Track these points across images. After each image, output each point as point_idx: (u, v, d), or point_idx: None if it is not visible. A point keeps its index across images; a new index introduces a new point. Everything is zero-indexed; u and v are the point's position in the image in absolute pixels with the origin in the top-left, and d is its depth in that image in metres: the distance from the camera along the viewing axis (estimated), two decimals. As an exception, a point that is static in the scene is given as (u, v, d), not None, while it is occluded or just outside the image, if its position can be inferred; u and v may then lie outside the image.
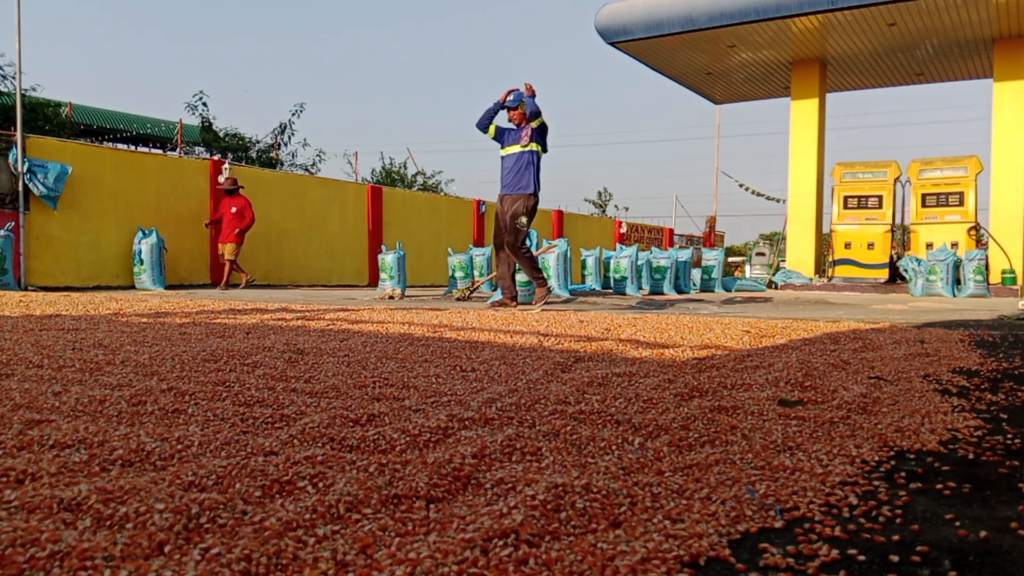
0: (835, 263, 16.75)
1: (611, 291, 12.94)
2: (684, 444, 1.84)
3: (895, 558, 1.16)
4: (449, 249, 12.53)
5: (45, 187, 10.37)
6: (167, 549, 1.14)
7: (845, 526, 1.29)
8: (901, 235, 17.79)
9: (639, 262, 12.65)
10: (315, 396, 2.41)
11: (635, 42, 16.29)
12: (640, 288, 12.57)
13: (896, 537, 1.24)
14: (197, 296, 8.91)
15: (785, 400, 2.37)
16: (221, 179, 12.33)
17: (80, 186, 10.96)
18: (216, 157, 15.77)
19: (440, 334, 4.28)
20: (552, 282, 10.97)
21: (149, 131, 20.64)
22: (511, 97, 7.23)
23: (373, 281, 15.53)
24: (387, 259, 10.16)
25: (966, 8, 13.88)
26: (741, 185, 28.41)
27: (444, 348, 3.64)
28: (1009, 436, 1.96)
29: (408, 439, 1.82)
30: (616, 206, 35.44)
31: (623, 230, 23.04)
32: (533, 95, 7.18)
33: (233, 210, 11.69)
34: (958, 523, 1.32)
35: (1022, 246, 15.16)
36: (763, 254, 29.50)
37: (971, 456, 1.78)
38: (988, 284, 13.79)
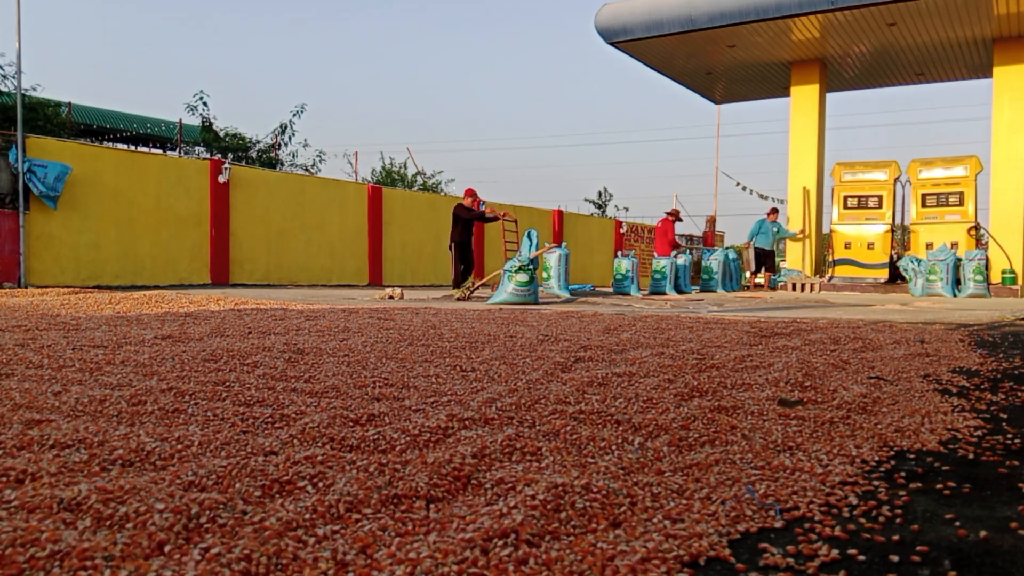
0: (835, 263, 16.75)
1: (611, 291, 12.96)
2: (684, 444, 1.84)
3: (895, 558, 1.16)
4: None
5: (45, 187, 10.37)
6: (167, 549, 1.14)
7: (845, 526, 1.29)
8: (901, 235, 17.81)
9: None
10: (315, 396, 2.40)
11: (635, 42, 16.29)
12: (640, 289, 12.62)
13: (896, 537, 1.24)
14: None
15: (785, 400, 2.37)
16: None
17: (80, 186, 10.96)
18: (216, 157, 15.77)
19: (440, 334, 4.28)
20: (552, 282, 11.14)
21: (149, 131, 20.63)
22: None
23: (373, 281, 15.53)
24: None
25: (966, 8, 13.88)
26: (739, 185, 28.39)
27: (444, 348, 3.64)
28: (1009, 436, 1.96)
29: (408, 439, 1.81)
30: (616, 206, 35.36)
31: (623, 230, 23.04)
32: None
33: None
34: (958, 523, 1.31)
35: (1022, 246, 15.16)
36: (763, 254, 29.46)
37: (971, 456, 1.77)
38: (988, 284, 13.79)
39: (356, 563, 1.09)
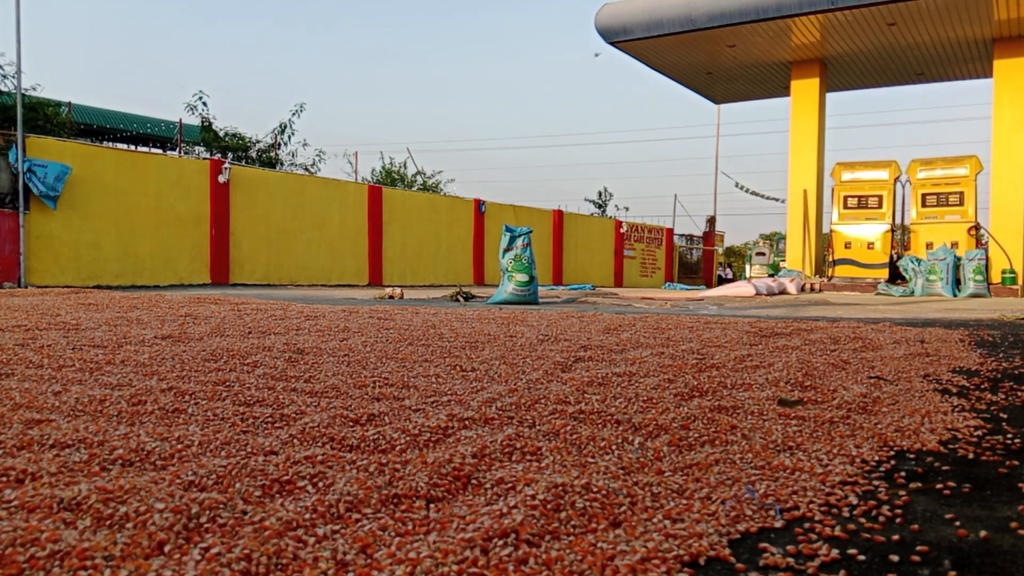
0: (835, 263, 16.76)
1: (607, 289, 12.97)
2: (684, 444, 1.84)
3: (895, 558, 1.16)
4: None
5: (45, 187, 10.37)
6: (167, 548, 1.14)
7: (845, 526, 1.29)
8: (901, 235, 17.81)
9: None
10: (315, 396, 2.40)
11: (635, 42, 16.30)
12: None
13: (896, 537, 1.24)
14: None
15: (785, 400, 2.37)
16: None
17: (80, 186, 10.96)
18: (216, 157, 15.77)
19: (440, 334, 4.28)
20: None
21: (149, 131, 20.62)
22: None
23: (373, 281, 15.53)
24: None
25: (966, 8, 13.88)
26: (739, 185, 28.39)
27: (444, 348, 3.64)
28: (1009, 436, 1.96)
29: (408, 439, 1.81)
30: (616, 206, 35.40)
31: (623, 230, 23.04)
32: None
33: None
34: (958, 523, 1.31)
35: (1022, 246, 15.16)
36: (763, 254, 29.49)
37: (971, 456, 1.77)
38: (988, 284, 13.80)
39: (356, 563, 1.09)
